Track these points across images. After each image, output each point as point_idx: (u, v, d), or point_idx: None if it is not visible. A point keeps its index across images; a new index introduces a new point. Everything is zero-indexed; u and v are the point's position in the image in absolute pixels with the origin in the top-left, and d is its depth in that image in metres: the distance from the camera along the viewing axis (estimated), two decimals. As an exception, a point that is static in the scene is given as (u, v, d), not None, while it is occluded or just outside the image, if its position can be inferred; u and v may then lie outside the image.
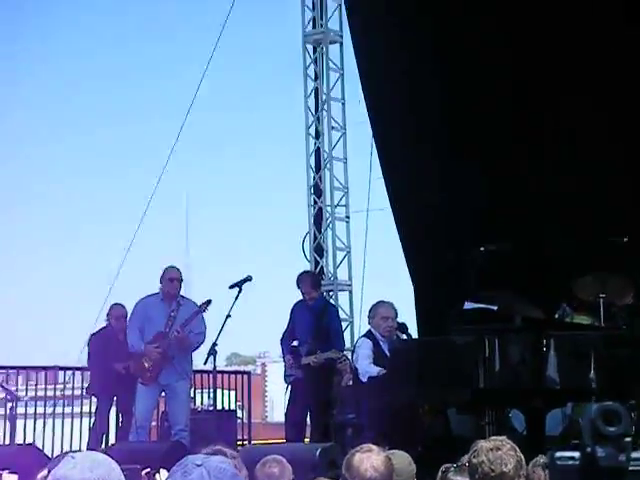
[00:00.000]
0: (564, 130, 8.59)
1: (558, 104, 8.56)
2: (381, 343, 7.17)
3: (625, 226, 7.36)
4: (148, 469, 4.23)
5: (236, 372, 10.79)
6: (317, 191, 10.56)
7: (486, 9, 8.69)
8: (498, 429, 5.87)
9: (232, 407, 10.12)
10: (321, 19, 10.66)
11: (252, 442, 9.67)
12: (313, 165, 10.62)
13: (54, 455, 8.22)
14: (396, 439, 5.57)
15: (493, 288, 6.60)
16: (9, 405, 7.75)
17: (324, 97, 10.60)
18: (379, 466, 3.66)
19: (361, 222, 10.62)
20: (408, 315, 8.82)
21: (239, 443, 8.95)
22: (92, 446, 8.05)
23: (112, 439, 8.50)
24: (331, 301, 9.69)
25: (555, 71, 8.54)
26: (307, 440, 7.75)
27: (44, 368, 9.45)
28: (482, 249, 6.56)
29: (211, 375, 7.54)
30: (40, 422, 9.13)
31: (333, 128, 10.57)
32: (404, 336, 7.38)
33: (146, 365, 7.43)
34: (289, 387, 7.84)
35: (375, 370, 6.91)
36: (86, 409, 9.09)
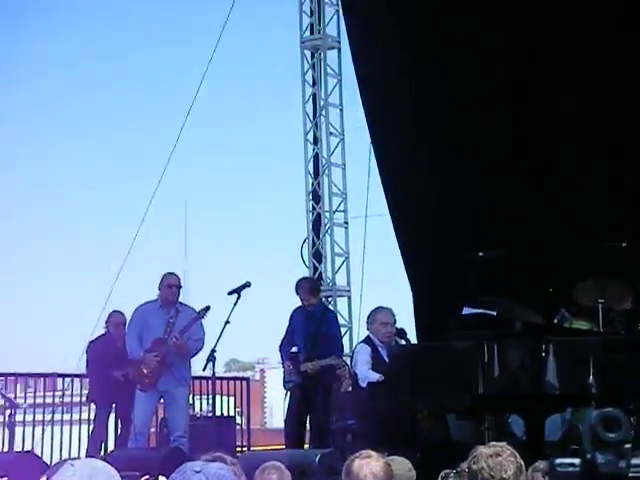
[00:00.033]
0: (563, 134, 8.60)
1: (557, 108, 8.57)
2: (380, 349, 7.17)
3: (624, 231, 7.36)
4: (147, 476, 4.23)
5: (235, 378, 10.78)
6: (315, 197, 10.56)
7: (485, 16, 8.70)
8: (497, 434, 5.86)
9: (231, 413, 10.11)
10: (319, 25, 10.68)
11: (251, 448, 9.66)
12: (311, 171, 10.63)
13: (53, 462, 8.22)
14: (395, 445, 5.55)
15: (492, 293, 6.60)
16: (8, 412, 7.73)
17: (322, 103, 10.60)
18: (378, 472, 3.66)
19: (359, 228, 10.64)
20: (407, 321, 8.82)
21: (238, 449, 8.94)
22: (91, 453, 8.03)
23: (111, 446, 8.49)
24: (330, 307, 9.69)
25: (554, 73, 8.55)
26: (306, 446, 7.75)
27: (43, 375, 9.43)
28: (481, 254, 6.56)
29: (210, 381, 7.52)
30: (39, 429, 9.11)
31: (331, 134, 10.58)
32: (403, 341, 7.38)
33: (145, 371, 7.42)
34: (288, 393, 7.84)
35: (374, 376, 6.90)
36: (85, 416, 9.08)
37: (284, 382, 7.86)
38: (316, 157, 10.61)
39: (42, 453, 8.58)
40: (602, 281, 6.99)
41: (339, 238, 10.51)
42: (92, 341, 8.69)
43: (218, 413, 9.23)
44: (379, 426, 6.48)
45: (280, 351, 7.99)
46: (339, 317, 9.74)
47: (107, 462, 2.55)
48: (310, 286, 8.04)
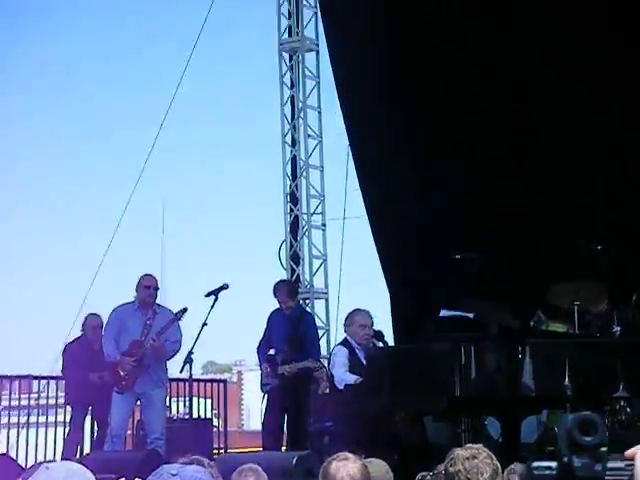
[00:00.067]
0: (546, 138, 8.65)
1: (538, 114, 8.62)
2: (357, 351, 7.18)
3: (599, 234, 7.41)
4: (123, 478, 4.21)
5: (212, 380, 10.76)
6: (293, 199, 10.56)
7: (467, 15, 8.73)
8: (474, 436, 5.89)
9: (208, 415, 10.09)
10: (297, 27, 10.68)
11: (228, 450, 9.64)
12: (289, 173, 10.63)
13: (28, 465, 8.17)
14: (372, 447, 5.57)
15: (469, 296, 6.63)
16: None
17: (300, 105, 10.61)
18: (355, 474, 3.66)
19: (337, 230, 10.65)
20: (384, 323, 8.84)
21: (215, 452, 8.92)
22: (67, 456, 7.99)
23: (87, 449, 8.45)
24: (307, 309, 9.69)
25: (547, 74, 8.59)
26: (284, 448, 7.74)
27: (18, 377, 9.37)
28: (458, 257, 6.59)
29: (187, 383, 7.51)
30: (14, 432, 9.05)
31: (309, 136, 10.59)
32: (380, 344, 7.39)
33: (121, 374, 7.39)
34: (266, 395, 7.83)
35: (351, 378, 6.91)
36: (60, 419, 9.03)
37: (261, 385, 7.85)
38: (294, 159, 10.62)
39: (17, 456, 8.52)
40: (577, 283, 7.04)
41: (317, 240, 10.53)
42: (68, 344, 8.64)
43: (195, 415, 9.21)
44: (356, 428, 6.49)
45: (258, 353, 7.98)
46: (317, 319, 9.75)
47: (83, 465, 2.55)
48: (288, 289, 8.04)
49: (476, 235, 8.20)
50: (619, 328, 6.71)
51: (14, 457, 7.97)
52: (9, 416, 9.19)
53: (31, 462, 8.47)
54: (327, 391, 7.52)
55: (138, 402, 7.61)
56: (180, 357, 7.24)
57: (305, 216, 10.48)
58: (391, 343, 8.11)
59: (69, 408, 8.58)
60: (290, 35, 10.72)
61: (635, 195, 8.23)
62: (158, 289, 7.68)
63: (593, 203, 8.31)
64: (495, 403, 6.29)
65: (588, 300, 7.10)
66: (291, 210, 10.54)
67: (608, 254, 6.68)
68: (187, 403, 8.35)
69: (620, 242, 7.55)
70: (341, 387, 6.95)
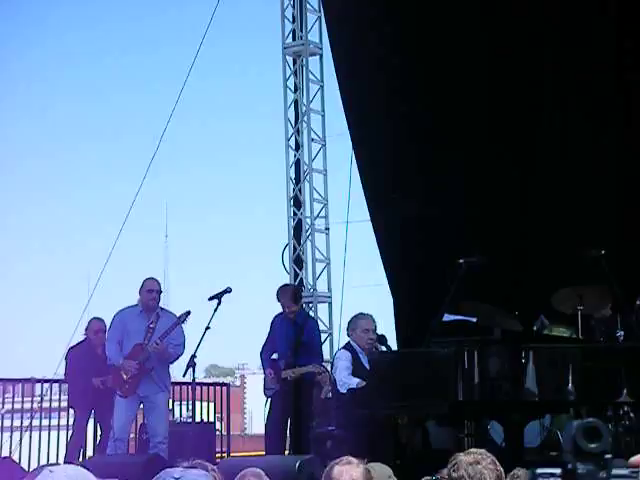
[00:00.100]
0: (545, 144, 8.65)
1: (540, 117, 8.62)
2: (360, 355, 7.17)
3: (603, 238, 7.40)
4: (126, 482, 4.21)
5: (215, 384, 10.74)
6: (297, 203, 10.56)
7: (470, 18, 8.73)
8: (477, 441, 5.88)
9: (211, 419, 10.07)
10: (301, 31, 10.69)
11: (231, 454, 9.64)
12: (293, 177, 10.63)
13: (31, 468, 8.17)
14: (375, 451, 5.56)
15: (472, 300, 6.62)
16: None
17: (304, 109, 10.61)
18: (358, 478, 3.66)
19: (340, 234, 10.65)
20: (387, 327, 8.83)
21: (218, 456, 8.91)
22: (69, 459, 7.99)
23: (90, 452, 8.44)
24: (310, 313, 9.68)
25: (538, 85, 8.59)
26: (287, 452, 7.73)
27: (21, 380, 9.37)
28: (461, 261, 6.58)
29: (190, 387, 7.50)
30: (17, 435, 9.05)
31: (313, 140, 10.59)
32: (383, 348, 7.38)
33: (124, 377, 7.39)
34: (269, 399, 7.82)
35: (354, 382, 6.90)
36: (63, 422, 9.03)
37: (265, 389, 7.84)
38: (297, 163, 10.62)
39: (20, 459, 8.52)
40: (581, 288, 7.03)
41: (320, 244, 10.52)
42: (71, 347, 8.64)
43: (198, 419, 9.19)
44: (359, 432, 6.48)
45: (261, 357, 7.98)
46: (320, 323, 9.75)
47: (86, 468, 2.54)
48: (292, 293, 8.03)
49: (480, 239, 8.18)
50: (622, 332, 6.70)
51: (17, 460, 7.97)
52: (12, 419, 9.19)
53: (34, 465, 8.47)
54: (330, 395, 7.51)
55: (141, 406, 7.61)
56: (183, 361, 7.24)
57: (308, 220, 10.48)
58: (394, 347, 8.10)
59: (72, 411, 8.58)
60: (294, 39, 10.73)
61: (638, 199, 8.23)
62: (161, 292, 7.68)
63: (597, 207, 8.31)
64: (498, 408, 6.28)
65: (592, 305, 7.09)
66: (294, 214, 10.54)
67: (612, 258, 6.67)
68: (190, 407, 8.34)
69: (624, 246, 7.54)
70: (344, 391, 6.94)
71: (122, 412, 7.43)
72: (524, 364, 6.02)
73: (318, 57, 10.75)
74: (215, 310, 7.07)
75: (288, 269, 10.39)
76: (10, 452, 8.78)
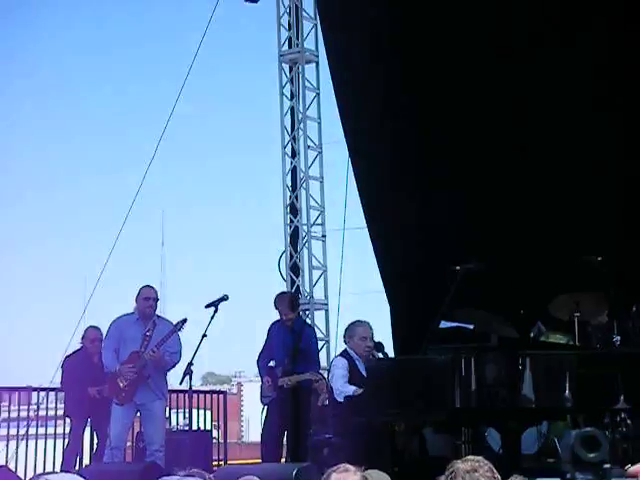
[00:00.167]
0: (544, 149, 8.66)
1: (539, 123, 8.63)
2: (357, 362, 7.16)
3: (600, 246, 7.41)
4: (123, 491, 4.20)
5: (212, 392, 10.73)
6: (293, 210, 10.57)
7: (469, 30, 8.75)
8: (474, 448, 5.87)
9: (208, 427, 10.06)
10: (297, 39, 10.71)
11: (228, 462, 9.62)
12: (289, 184, 10.64)
13: (27, 477, 8.15)
14: (372, 459, 5.55)
15: (469, 307, 6.62)
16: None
17: (300, 116, 10.63)
18: (355, 486, 3.65)
19: (337, 241, 10.65)
20: (384, 334, 8.83)
21: (215, 463, 8.91)
22: (66, 467, 7.97)
23: (86, 460, 8.42)
24: (307, 320, 9.68)
25: (537, 89, 8.61)
26: (283, 460, 7.72)
27: (17, 389, 9.35)
28: (458, 268, 6.58)
29: (187, 395, 7.49)
30: (13, 443, 9.03)
31: (309, 147, 10.60)
32: (380, 355, 7.38)
33: (121, 385, 7.38)
34: (265, 407, 7.81)
35: (351, 389, 6.90)
36: (60, 430, 9.01)
37: (261, 397, 7.84)
38: (294, 170, 10.63)
39: (16, 468, 8.49)
40: (578, 295, 7.03)
41: (317, 251, 10.53)
42: (68, 356, 8.64)
43: (195, 427, 9.19)
44: (356, 440, 6.47)
45: (258, 365, 7.97)
46: (316, 330, 9.74)
47: (82, 476, 2.54)
48: (289, 301, 8.02)
49: (477, 246, 8.19)
50: (619, 339, 6.70)
51: (13, 469, 7.94)
52: (8, 428, 9.17)
53: (30, 474, 8.45)
54: (327, 403, 7.50)
55: (138, 414, 7.60)
56: (180, 368, 7.23)
57: (305, 227, 10.49)
58: (391, 354, 8.10)
59: (68, 420, 8.56)
60: (290, 46, 10.75)
61: (636, 206, 8.24)
62: (158, 300, 7.67)
63: (594, 214, 8.32)
64: (495, 414, 6.28)
65: (588, 311, 7.10)
66: (291, 221, 10.55)
67: (608, 265, 6.68)
68: (187, 415, 8.33)
69: (620, 253, 7.55)
70: (341, 399, 6.93)
71: (119, 420, 7.42)
72: (521, 371, 6.02)
73: (314, 65, 10.77)
74: (212, 318, 7.06)
75: (285, 276, 10.39)
76: (6, 461, 8.76)
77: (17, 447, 8.98)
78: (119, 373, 7.38)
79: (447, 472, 3.36)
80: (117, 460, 7.30)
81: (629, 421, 6.14)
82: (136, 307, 7.59)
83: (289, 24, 10.74)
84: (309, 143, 10.60)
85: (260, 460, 7.91)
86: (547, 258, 8.18)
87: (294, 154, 10.65)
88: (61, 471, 7.41)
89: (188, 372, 6.96)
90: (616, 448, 5.85)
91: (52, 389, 9.34)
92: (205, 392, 10.57)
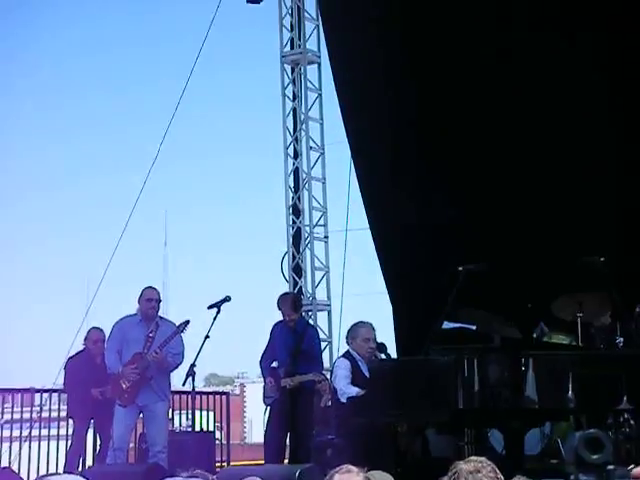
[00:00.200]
0: (540, 151, 8.66)
1: (540, 123, 8.63)
2: (360, 363, 7.16)
3: (603, 246, 7.40)
4: (126, 492, 4.21)
5: (215, 393, 10.73)
6: (296, 211, 10.58)
7: (469, 30, 8.75)
8: (477, 449, 5.86)
9: (211, 428, 10.06)
10: (299, 40, 10.72)
11: (231, 463, 9.62)
12: (292, 185, 10.65)
13: (31, 479, 8.16)
14: (375, 459, 5.54)
15: (472, 308, 6.62)
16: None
17: (302, 117, 10.63)
18: (358, 487, 3.65)
19: (339, 242, 10.66)
20: (386, 335, 8.83)
21: (218, 465, 8.89)
22: (69, 469, 7.97)
23: (89, 461, 8.42)
24: (310, 321, 9.68)
25: (538, 91, 8.61)
26: (286, 461, 7.72)
27: (20, 390, 9.35)
28: (461, 269, 6.58)
29: (189, 396, 7.49)
30: (16, 445, 9.03)
31: (311, 148, 10.61)
32: (383, 356, 7.38)
33: (124, 386, 7.38)
34: (268, 408, 7.81)
35: (354, 390, 6.90)
36: (63, 432, 9.01)
37: (264, 397, 7.83)
38: (296, 171, 10.64)
39: (19, 469, 8.50)
40: (581, 295, 7.02)
41: (319, 252, 10.53)
42: (70, 357, 8.64)
43: (197, 428, 9.18)
44: (359, 441, 6.47)
45: (260, 366, 7.97)
46: (319, 331, 9.74)
47: (85, 478, 2.54)
48: (292, 301, 8.02)
49: (479, 247, 8.19)
50: (622, 339, 6.69)
51: (16, 470, 7.95)
52: (11, 429, 9.17)
53: (33, 475, 8.46)
54: (330, 404, 7.50)
55: (140, 415, 7.59)
56: (183, 370, 7.23)
57: (307, 228, 10.49)
58: (394, 355, 8.10)
59: (71, 421, 8.56)
60: (292, 47, 10.76)
61: (638, 207, 8.23)
62: (160, 301, 7.68)
63: (597, 215, 8.31)
64: (498, 415, 6.27)
65: (591, 312, 7.09)
66: (293, 222, 10.55)
67: (611, 266, 6.67)
68: (190, 416, 8.33)
69: (623, 253, 7.54)
70: (343, 400, 6.93)
71: (121, 421, 7.42)
72: (524, 372, 6.01)
73: (316, 65, 10.78)
74: (214, 319, 7.07)
75: (287, 277, 10.40)
76: (10, 462, 8.76)
77: (20, 448, 8.98)
78: (122, 374, 7.38)
79: (450, 473, 3.35)
80: (120, 461, 7.30)
81: (632, 422, 6.13)
82: (139, 308, 7.59)
83: (291, 25, 10.75)
84: (311, 144, 10.61)
85: (263, 461, 7.90)
86: (550, 258, 8.17)
87: (296, 155, 10.65)
88: (64, 472, 7.41)
89: (191, 373, 6.97)
90: (619, 449, 5.85)
91: (55, 390, 9.34)
92: (208, 393, 10.57)
